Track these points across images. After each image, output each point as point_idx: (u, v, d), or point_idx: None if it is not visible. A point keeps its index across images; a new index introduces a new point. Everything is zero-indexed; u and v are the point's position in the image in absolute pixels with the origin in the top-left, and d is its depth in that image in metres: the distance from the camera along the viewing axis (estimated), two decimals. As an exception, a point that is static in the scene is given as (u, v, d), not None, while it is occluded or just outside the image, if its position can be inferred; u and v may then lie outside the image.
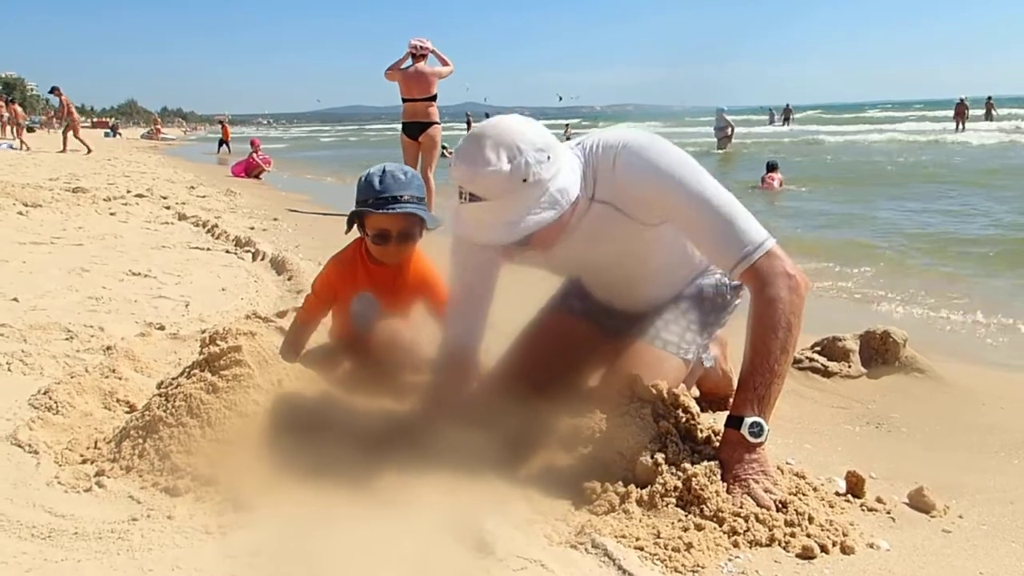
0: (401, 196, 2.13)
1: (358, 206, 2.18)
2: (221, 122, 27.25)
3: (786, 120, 42.03)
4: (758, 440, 1.62)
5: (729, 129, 19.64)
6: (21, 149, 18.91)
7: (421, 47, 7.00)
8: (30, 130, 20.29)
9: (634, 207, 1.78)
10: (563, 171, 1.66)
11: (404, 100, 7.09)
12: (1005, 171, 12.62)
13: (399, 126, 7.28)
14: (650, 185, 1.72)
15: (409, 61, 7.10)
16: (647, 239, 1.85)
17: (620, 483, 1.61)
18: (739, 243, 1.68)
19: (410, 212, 2.13)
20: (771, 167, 11.21)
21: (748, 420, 1.62)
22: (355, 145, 33.87)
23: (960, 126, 28.16)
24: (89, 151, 17.79)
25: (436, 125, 7.16)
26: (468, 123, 31.89)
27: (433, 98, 7.08)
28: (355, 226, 2.24)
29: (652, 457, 1.60)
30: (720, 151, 18.97)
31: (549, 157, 1.62)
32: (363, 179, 2.19)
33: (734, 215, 1.70)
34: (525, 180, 1.59)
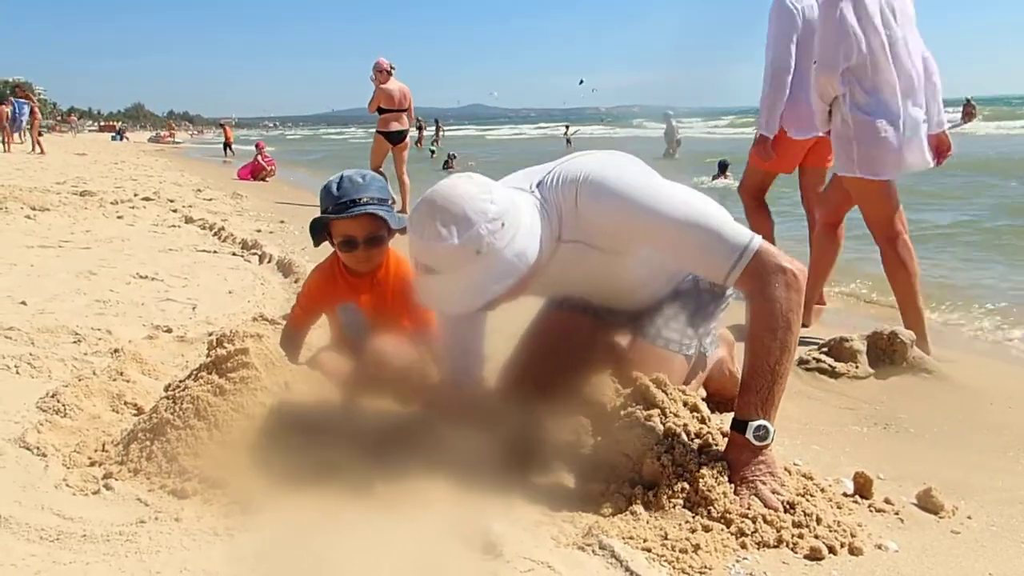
0: (360, 199, 2.09)
1: (321, 216, 2.15)
2: (223, 125, 27.22)
3: None
4: (763, 443, 1.61)
5: (677, 135, 18.38)
6: (35, 151, 19.12)
7: (391, 64, 8.24)
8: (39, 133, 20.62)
9: (605, 241, 1.74)
10: (519, 234, 1.60)
11: (387, 110, 8.24)
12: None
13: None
14: (618, 218, 1.68)
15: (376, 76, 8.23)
16: (623, 262, 1.82)
17: (627, 484, 1.60)
18: (724, 253, 1.63)
19: (370, 213, 2.09)
20: (722, 167, 11.21)
21: (753, 424, 1.60)
22: (359, 147, 33.86)
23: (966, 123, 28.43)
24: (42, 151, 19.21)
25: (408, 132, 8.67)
26: (437, 127, 31.12)
27: (407, 110, 8.49)
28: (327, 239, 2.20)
29: (659, 458, 1.60)
30: (666, 158, 16.98)
31: (503, 224, 1.56)
32: (323, 188, 2.17)
33: (711, 225, 1.65)
34: (479, 252, 1.55)
